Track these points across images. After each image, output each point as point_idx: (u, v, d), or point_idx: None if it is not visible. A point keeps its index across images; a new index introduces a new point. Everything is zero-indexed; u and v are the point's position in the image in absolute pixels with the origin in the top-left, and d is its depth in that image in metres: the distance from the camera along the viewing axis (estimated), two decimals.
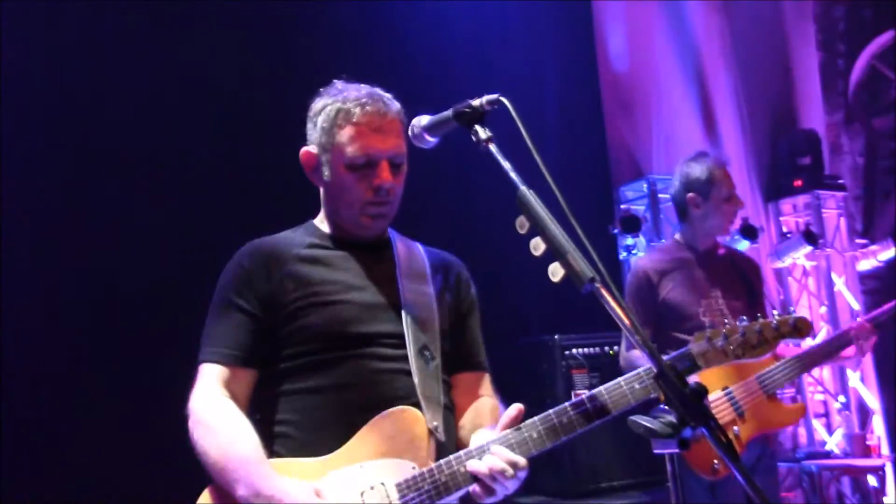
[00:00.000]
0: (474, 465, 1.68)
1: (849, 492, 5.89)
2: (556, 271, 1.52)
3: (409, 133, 1.85)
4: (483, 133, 1.68)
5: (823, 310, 6.42)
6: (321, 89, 2.00)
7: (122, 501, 3.56)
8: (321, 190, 2.02)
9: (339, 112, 1.91)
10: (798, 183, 6.37)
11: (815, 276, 6.56)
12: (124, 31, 4.25)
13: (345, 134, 1.90)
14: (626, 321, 1.45)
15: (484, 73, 5.38)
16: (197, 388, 1.84)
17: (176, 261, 3.97)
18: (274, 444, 1.80)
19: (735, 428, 3.03)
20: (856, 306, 6.37)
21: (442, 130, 1.80)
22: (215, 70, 4.43)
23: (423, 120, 1.82)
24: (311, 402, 1.82)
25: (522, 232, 1.58)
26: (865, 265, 6.42)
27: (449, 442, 1.83)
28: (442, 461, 1.72)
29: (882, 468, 5.47)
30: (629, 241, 5.77)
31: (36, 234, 3.85)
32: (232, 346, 1.86)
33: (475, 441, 1.78)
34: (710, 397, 3.02)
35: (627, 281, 3.44)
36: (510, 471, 1.66)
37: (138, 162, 4.15)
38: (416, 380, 1.83)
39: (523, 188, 1.59)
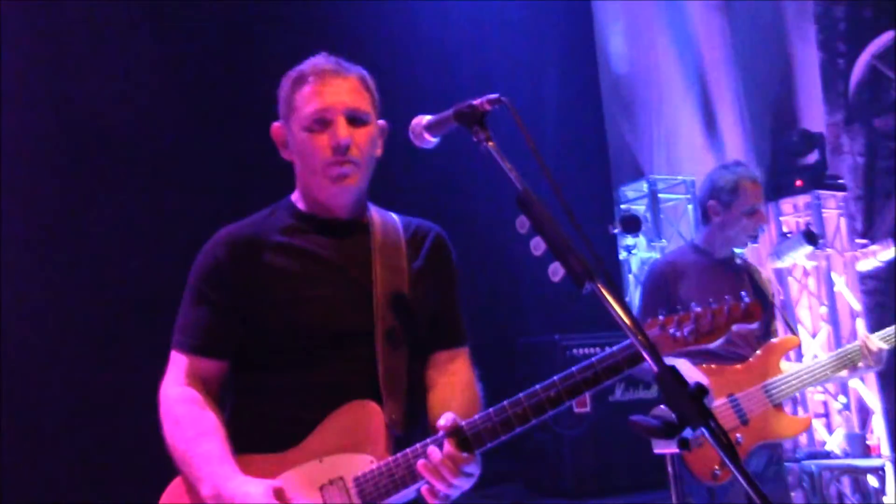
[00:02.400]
0: (420, 464, 1.68)
1: (849, 492, 5.89)
2: (556, 271, 1.52)
3: (410, 133, 1.82)
4: (483, 133, 1.67)
5: (823, 310, 6.42)
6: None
7: (122, 501, 3.56)
8: (294, 165, 1.99)
9: (296, 79, 1.92)
10: (798, 183, 6.36)
11: (815, 276, 6.56)
12: (124, 31, 4.25)
13: (301, 97, 1.89)
14: (627, 321, 1.44)
15: (484, 73, 5.38)
16: (167, 376, 1.88)
17: (176, 259, 3.96)
18: (242, 435, 1.82)
19: (738, 435, 3.02)
20: (856, 306, 6.36)
21: (442, 130, 1.79)
22: (216, 70, 4.43)
23: (424, 119, 1.82)
24: (277, 396, 1.84)
25: (522, 232, 1.58)
26: (865, 265, 6.41)
27: (410, 434, 1.81)
28: (399, 455, 1.73)
29: (882, 468, 5.46)
30: (629, 241, 5.77)
31: (36, 235, 3.85)
32: (203, 337, 1.87)
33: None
34: (714, 403, 3.01)
35: (644, 280, 3.44)
36: (451, 467, 1.65)
37: (138, 162, 4.15)
38: (380, 370, 1.82)
39: (523, 188, 1.59)
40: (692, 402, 1.35)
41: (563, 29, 6.12)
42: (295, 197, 2.01)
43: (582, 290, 1.48)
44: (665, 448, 3.07)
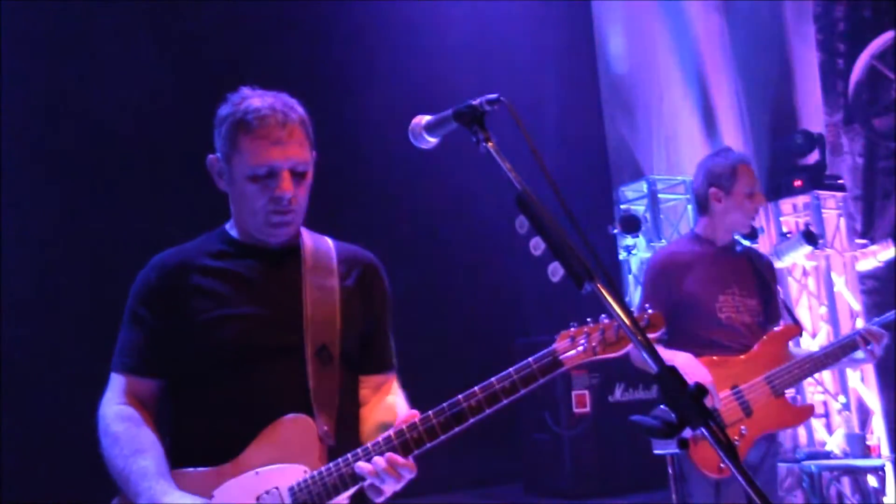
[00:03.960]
0: (361, 467, 1.80)
1: (849, 492, 5.89)
2: (555, 271, 1.52)
3: (410, 133, 1.81)
4: (483, 133, 1.67)
5: (823, 310, 6.42)
6: (228, 94, 2.02)
7: None
8: (230, 197, 2.06)
9: (239, 123, 1.95)
10: (798, 183, 6.36)
11: (815, 276, 6.56)
12: (124, 32, 4.25)
13: (245, 145, 1.94)
14: (626, 321, 1.45)
15: (484, 73, 5.38)
16: (105, 396, 1.97)
17: None
18: (181, 450, 1.90)
19: (742, 427, 3.03)
20: (856, 306, 6.36)
21: (442, 130, 1.78)
22: (215, 70, 4.43)
23: (424, 119, 1.81)
24: (213, 412, 1.91)
25: (522, 232, 1.58)
26: (865, 265, 6.42)
27: (342, 444, 1.89)
28: (331, 464, 1.83)
29: (882, 468, 5.47)
30: (629, 241, 5.77)
31: (36, 234, 3.85)
32: (137, 358, 1.97)
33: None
34: (719, 396, 3.02)
35: (645, 271, 3.44)
36: (392, 471, 1.78)
37: (139, 162, 4.15)
38: (311, 385, 1.91)
39: (523, 188, 1.59)
40: (692, 402, 1.35)
41: (563, 29, 6.12)
42: (229, 226, 2.10)
43: (581, 290, 1.48)
44: (665, 448, 3.08)
